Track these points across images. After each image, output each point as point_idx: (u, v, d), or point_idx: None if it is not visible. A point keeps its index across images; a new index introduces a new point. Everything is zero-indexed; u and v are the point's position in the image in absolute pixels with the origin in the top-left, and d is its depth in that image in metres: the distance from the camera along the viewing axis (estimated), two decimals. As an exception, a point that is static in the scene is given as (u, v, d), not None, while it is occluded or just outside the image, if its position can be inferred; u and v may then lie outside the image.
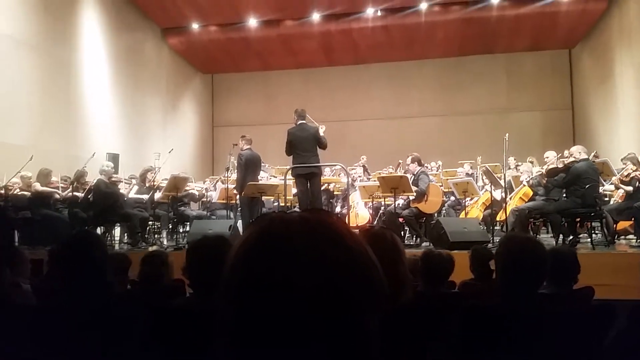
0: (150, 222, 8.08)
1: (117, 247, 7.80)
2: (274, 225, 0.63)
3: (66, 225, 7.27)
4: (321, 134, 7.22)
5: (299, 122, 7.31)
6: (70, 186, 7.68)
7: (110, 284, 1.90)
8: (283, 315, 0.57)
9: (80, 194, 7.53)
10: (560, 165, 6.73)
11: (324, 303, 0.58)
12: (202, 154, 16.19)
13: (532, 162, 8.71)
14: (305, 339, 0.58)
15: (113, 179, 7.60)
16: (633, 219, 6.50)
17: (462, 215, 8.15)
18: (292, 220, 0.63)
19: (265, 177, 8.82)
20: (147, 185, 8.11)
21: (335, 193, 9.33)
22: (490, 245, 5.82)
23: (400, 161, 9.46)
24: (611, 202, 7.54)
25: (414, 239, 7.81)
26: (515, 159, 9.55)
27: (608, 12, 12.21)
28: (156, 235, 8.41)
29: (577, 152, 6.63)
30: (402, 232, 7.83)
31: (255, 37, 13.62)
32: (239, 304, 0.60)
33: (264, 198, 8.07)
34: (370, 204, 8.60)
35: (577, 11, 12.26)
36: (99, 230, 7.62)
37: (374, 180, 8.53)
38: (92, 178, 7.83)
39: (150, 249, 6.84)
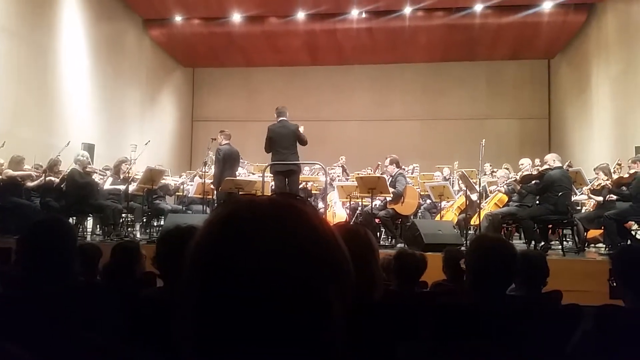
0: (123, 215, 7.96)
1: (89, 238, 7.66)
2: (242, 207, 0.62)
3: (37, 214, 7.10)
4: (301, 131, 7.21)
5: (279, 119, 7.28)
6: (43, 174, 7.51)
7: (76, 272, 1.85)
8: (246, 299, 0.56)
9: (54, 178, 7.37)
10: (535, 173, 6.85)
11: (289, 287, 0.57)
12: (180, 148, 16.02)
13: (507, 169, 8.84)
14: (269, 324, 0.56)
15: (87, 169, 7.46)
16: (603, 227, 6.65)
17: (438, 218, 8.24)
18: (261, 203, 0.62)
19: (243, 174, 8.77)
20: (121, 177, 7.98)
21: (313, 192, 9.33)
22: (463, 248, 5.88)
23: (379, 163, 9.51)
24: (583, 211, 7.70)
25: (390, 239, 7.86)
26: (491, 165, 9.70)
27: (587, 25, 12.49)
28: (129, 228, 8.28)
29: (552, 160, 6.75)
30: (378, 233, 7.87)
31: (238, 32, 13.53)
32: (202, 286, 0.58)
33: (241, 194, 8.02)
34: (348, 204, 8.63)
35: (558, 22, 12.50)
36: (71, 221, 7.48)
37: (353, 181, 8.55)
38: (66, 167, 7.68)
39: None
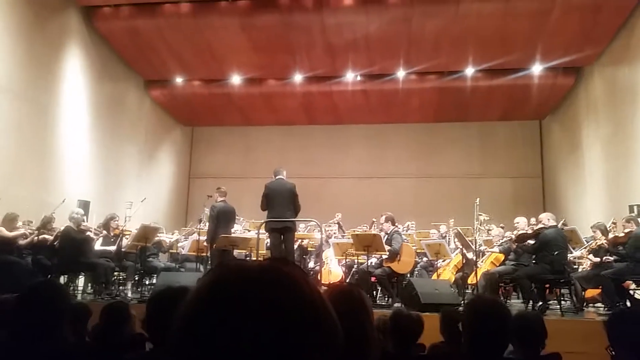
0: (115, 273, 7.84)
1: (80, 296, 7.51)
2: (230, 274, 0.62)
3: (28, 272, 6.99)
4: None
5: (277, 177, 7.35)
6: (36, 231, 7.45)
7: (65, 337, 1.81)
8: None
9: (48, 236, 7.30)
10: (530, 232, 6.86)
11: (276, 355, 0.57)
12: (177, 205, 16.01)
13: (502, 228, 8.85)
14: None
15: (82, 227, 7.42)
16: (601, 287, 6.59)
17: (435, 276, 8.15)
18: (249, 269, 0.63)
19: (239, 230, 8.73)
20: (112, 233, 7.92)
21: (308, 249, 9.25)
22: (460, 307, 5.79)
23: (374, 220, 9.51)
24: (580, 270, 7.64)
25: (386, 299, 7.73)
26: (487, 217, 9.60)
27: (576, 87, 12.88)
28: (121, 287, 8.14)
29: (546, 219, 6.78)
30: (374, 292, 7.76)
31: (237, 93, 13.89)
32: (188, 354, 0.58)
33: (235, 251, 7.96)
34: (344, 261, 8.55)
35: (547, 85, 12.89)
36: (62, 280, 7.35)
37: (348, 238, 8.51)
38: (60, 225, 7.64)
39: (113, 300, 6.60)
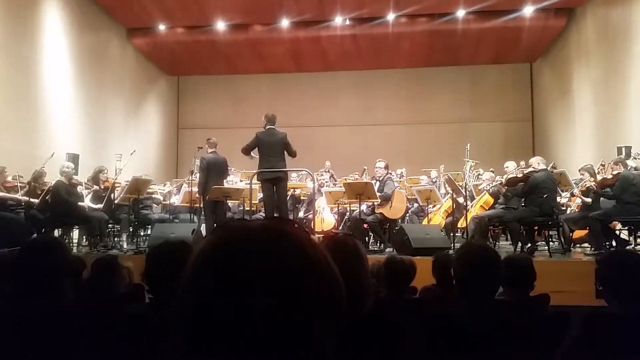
0: (110, 225, 7.87)
1: (75, 249, 7.57)
2: (234, 233, 0.62)
3: (22, 227, 7.00)
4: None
5: (267, 127, 7.27)
6: (27, 186, 7.41)
7: (65, 293, 1.84)
8: (239, 323, 0.57)
9: (35, 200, 7.26)
10: (520, 175, 6.93)
11: (282, 312, 0.58)
12: (166, 157, 15.92)
13: (492, 172, 8.93)
14: (260, 348, 0.57)
15: (73, 181, 7.38)
16: (588, 228, 6.75)
17: (425, 222, 8.29)
18: (253, 229, 0.63)
19: (231, 181, 8.74)
20: (102, 186, 7.89)
21: (301, 198, 9.32)
22: (451, 251, 5.93)
23: (365, 167, 9.54)
24: (568, 212, 7.80)
25: (378, 244, 7.88)
26: (476, 163, 9.67)
27: (567, 29, 12.69)
28: (116, 239, 8.20)
29: (536, 163, 6.84)
30: (367, 238, 7.89)
31: (223, 40, 13.51)
32: (195, 311, 0.59)
33: (229, 202, 8.00)
34: (336, 209, 8.64)
35: (539, 27, 12.68)
36: (56, 233, 7.39)
37: (340, 187, 8.57)
38: (50, 178, 7.59)
39: (110, 252, 6.67)
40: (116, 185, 8.05)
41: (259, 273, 0.58)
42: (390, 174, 8.25)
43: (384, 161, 7.89)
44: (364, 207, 7.72)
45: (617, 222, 6.87)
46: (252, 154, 7.28)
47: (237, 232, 0.62)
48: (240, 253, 0.59)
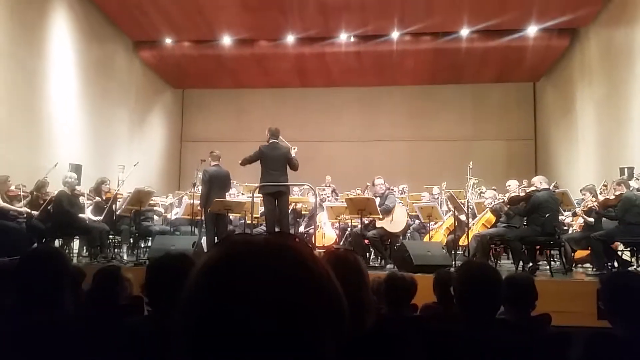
0: (110, 236, 7.87)
1: (75, 260, 7.55)
2: (238, 247, 0.63)
3: (23, 236, 7.01)
4: (293, 154, 7.21)
5: (271, 140, 7.29)
6: (30, 196, 7.43)
7: (65, 305, 1.83)
8: (241, 339, 0.57)
9: (36, 212, 7.27)
10: (522, 194, 6.92)
11: (283, 327, 0.57)
12: (169, 169, 15.95)
13: (494, 190, 8.92)
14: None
15: (75, 192, 7.40)
16: (590, 248, 6.71)
17: (427, 238, 8.27)
18: (256, 243, 0.63)
19: (233, 194, 8.75)
20: (104, 197, 7.90)
21: (302, 213, 9.32)
22: (452, 269, 5.90)
23: (368, 184, 9.55)
24: (570, 232, 7.77)
25: (379, 260, 7.85)
26: (478, 181, 9.62)
27: (570, 49, 12.77)
28: (116, 250, 8.19)
29: (538, 182, 6.84)
30: (368, 254, 7.87)
31: (228, 55, 13.62)
32: (197, 326, 0.59)
33: (230, 215, 7.99)
34: (337, 224, 8.63)
35: (542, 46, 12.76)
36: (57, 243, 7.38)
37: (342, 202, 8.57)
38: (53, 188, 7.61)
39: (109, 263, 6.65)
40: (118, 196, 8.06)
41: (262, 287, 0.58)
42: (391, 189, 8.25)
43: (382, 177, 7.90)
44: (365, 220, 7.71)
45: (619, 243, 6.84)
46: None
47: (240, 246, 0.62)
48: (243, 267, 0.60)
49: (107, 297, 2.92)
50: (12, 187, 7.44)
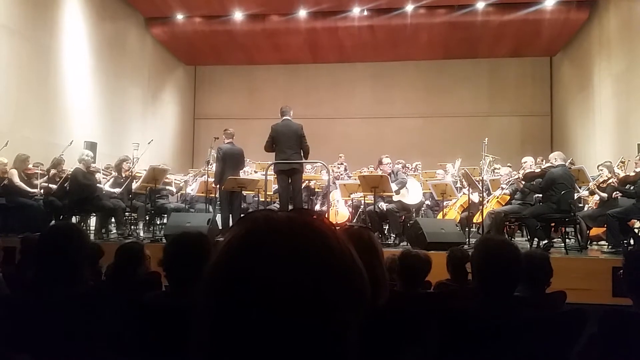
0: (127, 213, 7.97)
1: (92, 237, 7.68)
2: (260, 225, 0.63)
3: (41, 214, 7.14)
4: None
5: (283, 119, 7.27)
6: (47, 174, 7.54)
7: (85, 280, 1.87)
8: (263, 314, 0.57)
9: (53, 186, 7.40)
10: (537, 170, 6.85)
11: (306, 305, 0.58)
12: (183, 146, 16.03)
13: (510, 167, 8.85)
14: (285, 340, 0.57)
15: (91, 169, 7.48)
16: (606, 225, 6.65)
17: (440, 216, 8.25)
18: (278, 221, 0.63)
19: (246, 172, 8.78)
20: (123, 175, 7.99)
21: (316, 190, 9.33)
22: (466, 246, 5.90)
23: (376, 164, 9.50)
24: (585, 209, 7.69)
25: (392, 237, 7.85)
26: (493, 158, 9.52)
27: (589, 23, 12.45)
28: (132, 227, 8.30)
29: (554, 159, 6.75)
30: (382, 231, 7.87)
31: (240, 30, 13.52)
32: (220, 301, 0.60)
33: (244, 193, 8.03)
34: (350, 202, 8.63)
35: (560, 20, 12.46)
36: (74, 219, 7.50)
37: (355, 179, 8.56)
38: (68, 166, 7.70)
39: (126, 240, 6.76)
40: (136, 175, 8.14)
41: (286, 265, 0.58)
42: (406, 166, 8.22)
43: (389, 157, 7.87)
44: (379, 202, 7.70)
45: (635, 221, 6.77)
46: None
47: (263, 224, 0.63)
48: (267, 245, 0.60)
49: (128, 273, 2.98)
50: (30, 165, 7.55)
